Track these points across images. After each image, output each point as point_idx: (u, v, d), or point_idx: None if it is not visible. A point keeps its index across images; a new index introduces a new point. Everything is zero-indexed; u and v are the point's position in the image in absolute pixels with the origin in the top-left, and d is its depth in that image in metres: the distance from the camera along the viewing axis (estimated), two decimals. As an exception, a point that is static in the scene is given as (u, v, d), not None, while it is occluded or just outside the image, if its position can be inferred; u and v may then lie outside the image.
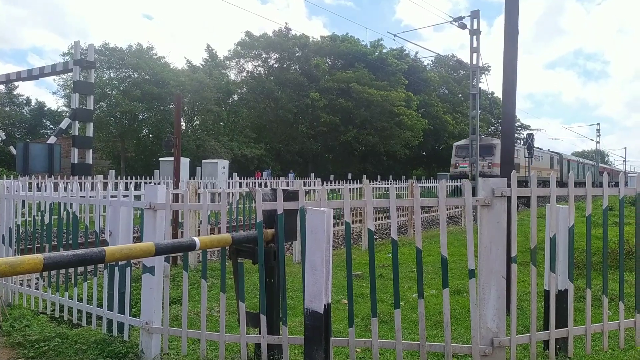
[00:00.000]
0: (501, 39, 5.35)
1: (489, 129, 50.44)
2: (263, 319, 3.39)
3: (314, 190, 10.91)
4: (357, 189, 10.90)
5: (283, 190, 3.70)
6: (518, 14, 5.34)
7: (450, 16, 25.13)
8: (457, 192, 20.33)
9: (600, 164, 51.94)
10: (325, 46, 46.22)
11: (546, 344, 3.57)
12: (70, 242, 4.64)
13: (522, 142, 30.28)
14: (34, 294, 4.66)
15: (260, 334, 3.41)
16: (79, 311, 4.28)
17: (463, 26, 18.64)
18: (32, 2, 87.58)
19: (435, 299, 5.39)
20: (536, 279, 3.43)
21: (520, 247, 5.17)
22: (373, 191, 10.98)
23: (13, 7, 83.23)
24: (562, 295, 3.58)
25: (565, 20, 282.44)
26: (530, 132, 35.15)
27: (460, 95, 53.60)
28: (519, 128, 57.12)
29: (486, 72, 46.51)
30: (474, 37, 18.12)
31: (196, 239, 3.28)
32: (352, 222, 6.92)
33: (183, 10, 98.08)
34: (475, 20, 18.10)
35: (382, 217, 12.83)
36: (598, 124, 53.55)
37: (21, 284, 4.80)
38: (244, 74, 46.04)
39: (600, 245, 3.85)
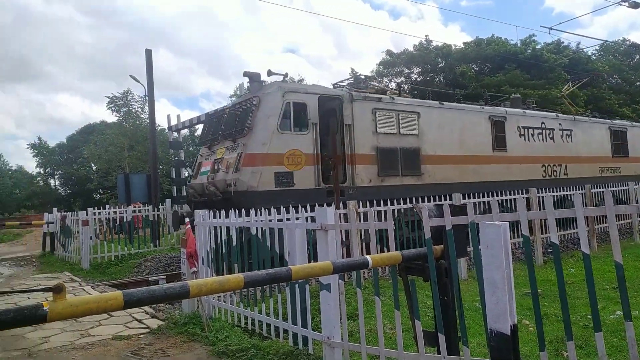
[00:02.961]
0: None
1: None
2: (442, 338, 3.33)
3: (478, 203, 10.20)
4: (526, 198, 9.97)
5: (449, 205, 3.62)
6: None
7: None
8: None
9: None
10: (470, 52, 44.23)
11: None
12: (247, 262, 5.20)
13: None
14: (230, 308, 5.32)
15: (439, 353, 3.35)
16: (268, 325, 4.74)
17: (635, 5, 16.07)
18: (198, 54, 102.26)
19: (638, 322, 4.64)
20: None
21: None
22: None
23: (185, 60, 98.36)
24: None
25: None
26: None
27: (639, 84, 45.96)
28: None
29: (673, 51, 39.15)
30: (654, 13, 15.48)
31: (368, 257, 3.40)
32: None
33: (322, 41, 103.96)
34: (653, -5, 15.45)
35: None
36: None
37: (218, 299, 5.52)
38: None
39: None
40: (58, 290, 2.31)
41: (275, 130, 9.11)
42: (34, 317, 2.24)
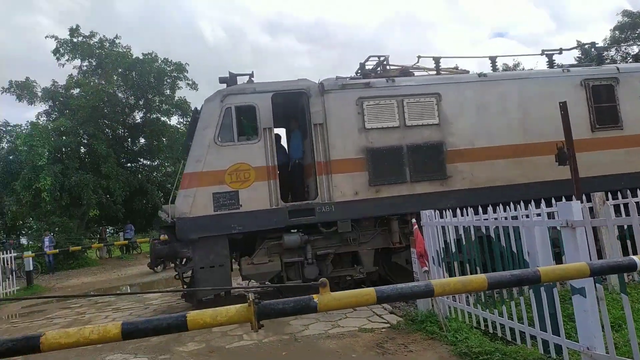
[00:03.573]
0: None
1: None
2: None
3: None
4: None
5: None
6: None
7: None
8: None
9: None
10: None
11: None
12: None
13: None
14: (466, 309, 5.24)
15: None
16: (511, 329, 4.50)
17: None
18: (405, 58, 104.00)
19: None
20: None
21: None
22: None
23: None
24: None
25: None
26: None
27: None
28: None
29: None
30: None
31: (635, 258, 2.91)
32: None
33: (536, 16, 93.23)
34: None
35: None
36: None
37: (453, 299, 5.50)
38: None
39: None
40: (323, 284, 2.68)
41: (212, 143, 7.69)
42: (307, 307, 2.65)
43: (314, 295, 2.62)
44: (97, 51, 23.86)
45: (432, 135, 8.32)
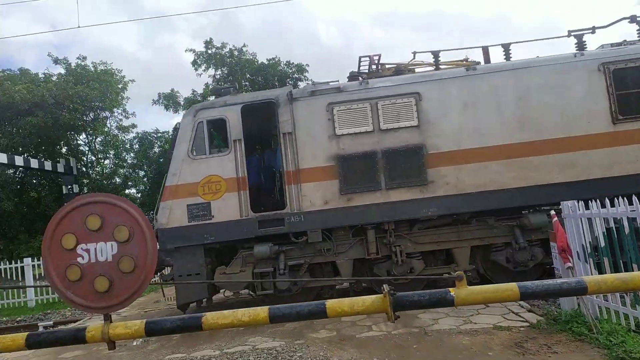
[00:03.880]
0: None
1: None
2: None
3: None
4: None
5: None
6: None
7: None
8: None
9: None
10: None
11: None
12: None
13: None
14: (621, 309, 4.67)
15: None
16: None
17: None
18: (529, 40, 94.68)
19: None
20: None
21: None
22: None
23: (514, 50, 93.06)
24: None
25: None
26: None
27: None
28: None
29: None
30: None
31: None
32: None
33: None
34: None
35: None
36: None
37: (604, 299, 4.94)
38: None
39: None
40: (460, 278, 2.62)
41: (186, 157, 7.88)
42: (444, 301, 2.61)
43: (451, 289, 2.57)
44: (228, 60, 26.00)
45: (411, 138, 7.68)
